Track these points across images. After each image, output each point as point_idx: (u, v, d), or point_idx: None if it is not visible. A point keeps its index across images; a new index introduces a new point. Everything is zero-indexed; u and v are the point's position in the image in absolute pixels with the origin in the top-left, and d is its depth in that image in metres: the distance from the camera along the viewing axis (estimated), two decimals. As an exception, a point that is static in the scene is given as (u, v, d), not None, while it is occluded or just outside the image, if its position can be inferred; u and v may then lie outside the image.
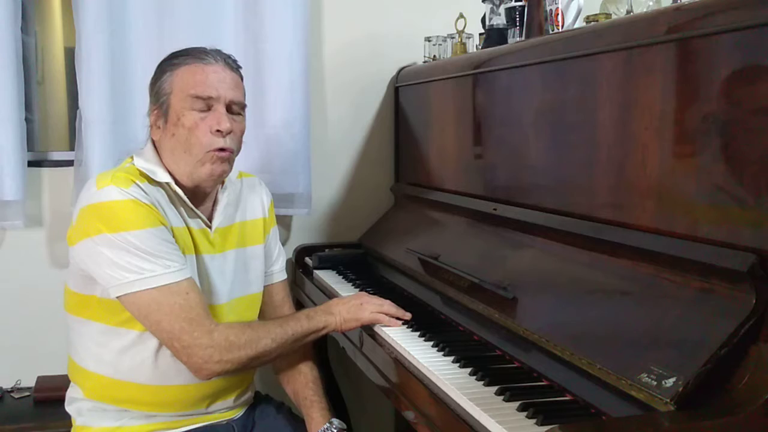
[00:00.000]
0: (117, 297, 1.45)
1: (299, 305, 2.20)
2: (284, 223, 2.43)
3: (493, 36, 1.94)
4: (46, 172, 2.25)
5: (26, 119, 2.15)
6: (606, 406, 1.13)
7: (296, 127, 2.30)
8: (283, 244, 2.36)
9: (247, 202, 1.74)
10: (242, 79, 1.63)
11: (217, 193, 1.65)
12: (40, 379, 2.16)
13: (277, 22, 2.26)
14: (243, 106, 1.61)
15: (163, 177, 1.54)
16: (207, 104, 1.53)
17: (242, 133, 1.61)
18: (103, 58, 2.11)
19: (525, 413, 1.13)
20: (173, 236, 1.51)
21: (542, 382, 1.28)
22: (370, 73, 2.49)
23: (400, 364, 1.43)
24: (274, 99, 2.28)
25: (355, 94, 2.49)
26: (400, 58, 2.46)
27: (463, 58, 2.05)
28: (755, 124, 1.06)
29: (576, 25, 1.65)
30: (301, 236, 2.47)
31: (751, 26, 1.05)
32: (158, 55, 1.63)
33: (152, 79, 1.61)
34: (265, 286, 1.76)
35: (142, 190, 1.49)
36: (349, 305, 1.63)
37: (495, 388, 1.23)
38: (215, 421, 1.64)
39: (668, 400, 0.98)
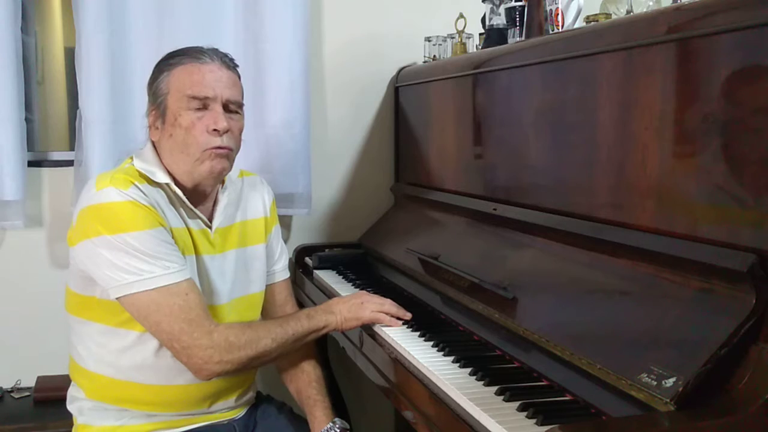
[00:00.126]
0: (116, 298, 1.45)
1: (299, 305, 2.19)
2: (284, 223, 2.43)
3: (493, 36, 1.94)
4: (46, 172, 2.25)
5: (26, 119, 2.15)
6: (606, 406, 1.13)
7: (296, 127, 2.30)
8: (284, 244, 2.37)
9: (248, 201, 1.74)
10: (239, 78, 1.63)
11: (217, 193, 1.65)
12: (40, 379, 2.16)
13: (277, 22, 2.26)
14: (240, 105, 1.61)
15: (163, 178, 1.54)
16: (204, 104, 1.53)
17: (240, 131, 1.61)
18: (103, 58, 2.11)
19: (525, 413, 1.13)
20: (173, 237, 1.51)
21: (542, 382, 1.28)
22: (370, 73, 2.49)
23: (400, 364, 1.43)
24: (274, 99, 2.28)
25: (355, 94, 2.49)
26: (400, 58, 2.46)
27: (463, 58, 2.05)
28: (755, 124, 1.06)
29: (576, 25, 1.65)
30: (301, 236, 2.47)
31: (751, 26, 1.05)
32: (158, 55, 1.63)
33: (150, 79, 1.61)
34: (267, 286, 1.76)
35: (141, 191, 1.49)
36: (349, 304, 1.63)
37: (495, 388, 1.23)
38: (216, 420, 1.64)
39: (668, 400, 0.98)
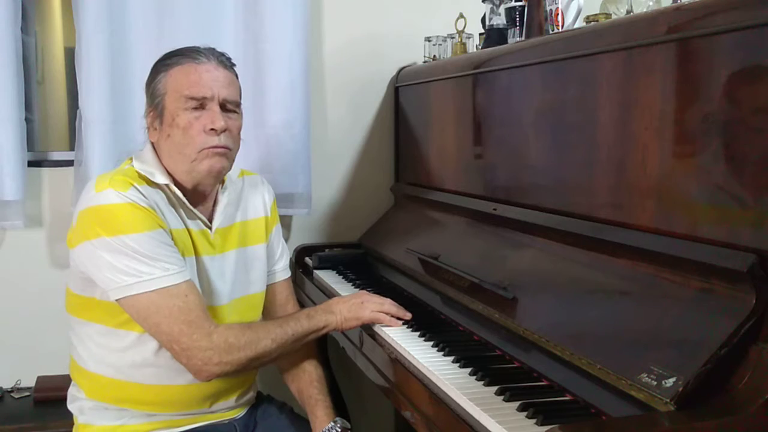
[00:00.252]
0: (116, 300, 1.45)
1: (299, 305, 2.20)
2: (284, 223, 2.43)
3: (493, 36, 1.94)
4: (46, 172, 2.25)
5: (26, 119, 2.15)
6: (606, 406, 1.13)
7: (296, 127, 2.30)
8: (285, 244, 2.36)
9: (248, 200, 1.74)
10: (237, 77, 1.63)
11: (217, 194, 1.65)
12: (40, 379, 2.16)
13: (277, 22, 2.26)
14: (238, 104, 1.60)
15: (162, 179, 1.54)
16: (201, 103, 1.53)
17: (239, 130, 1.61)
18: (103, 58, 2.11)
19: (525, 413, 1.13)
20: (172, 238, 1.51)
21: (542, 382, 1.28)
22: (370, 73, 2.49)
23: (400, 364, 1.43)
24: (274, 99, 2.28)
25: (355, 94, 2.49)
26: (400, 58, 2.46)
27: (463, 58, 2.05)
28: (755, 124, 1.06)
29: (576, 25, 1.65)
30: (301, 236, 2.47)
31: (751, 26, 1.05)
32: (158, 55, 1.63)
33: (147, 80, 1.61)
34: (268, 285, 1.76)
35: (141, 193, 1.49)
36: (349, 304, 1.63)
37: (495, 388, 1.23)
38: (217, 420, 1.64)
39: (668, 400, 0.98)
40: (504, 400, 1.19)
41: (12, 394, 2.15)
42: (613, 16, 1.61)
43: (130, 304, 1.45)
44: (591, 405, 1.16)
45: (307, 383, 1.69)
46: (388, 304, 1.65)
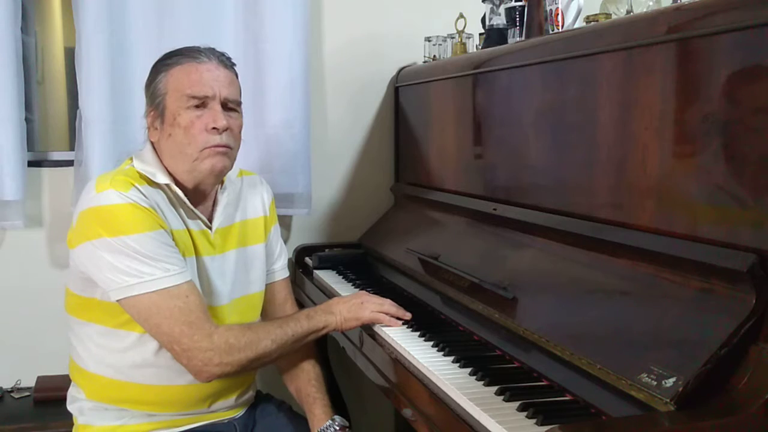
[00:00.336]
0: (117, 300, 1.45)
1: (299, 305, 2.19)
2: (284, 223, 2.43)
3: (493, 36, 1.94)
4: (46, 172, 2.25)
5: (26, 119, 2.15)
6: (606, 406, 1.13)
7: (296, 127, 2.30)
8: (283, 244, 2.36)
9: (247, 200, 1.74)
10: (237, 76, 1.63)
11: (216, 194, 1.65)
12: (40, 379, 2.16)
13: (277, 22, 2.26)
14: (238, 103, 1.61)
15: (163, 179, 1.54)
16: (202, 102, 1.53)
17: (239, 129, 1.61)
18: (103, 58, 2.11)
19: (525, 413, 1.13)
20: (173, 239, 1.51)
21: (542, 382, 1.28)
22: (370, 73, 2.49)
23: (400, 364, 1.43)
24: (274, 99, 2.28)
25: (355, 94, 2.49)
26: (400, 58, 2.46)
27: (463, 58, 2.05)
28: (755, 124, 1.06)
29: (576, 25, 1.65)
30: (301, 236, 2.47)
31: (751, 26, 1.05)
32: (158, 55, 1.63)
33: (147, 80, 1.61)
34: (267, 285, 1.76)
35: (142, 193, 1.49)
36: (349, 304, 1.63)
37: (495, 388, 1.23)
38: (216, 420, 1.64)
39: (668, 400, 0.98)
40: (504, 400, 1.19)
41: (12, 394, 2.15)
42: (613, 16, 1.61)
43: (131, 305, 1.45)
44: (591, 405, 1.16)
45: (305, 382, 1.69)
46: (388, 305, 1.65)
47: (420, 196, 2.21)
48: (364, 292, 1.78)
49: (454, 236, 1.90)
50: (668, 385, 1.00)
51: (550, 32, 1.66)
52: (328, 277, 2.14)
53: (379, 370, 1.53)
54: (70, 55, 2.26)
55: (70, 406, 1.63)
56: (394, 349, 1.51)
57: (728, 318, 1.02)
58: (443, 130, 2.13)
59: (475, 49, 2.19)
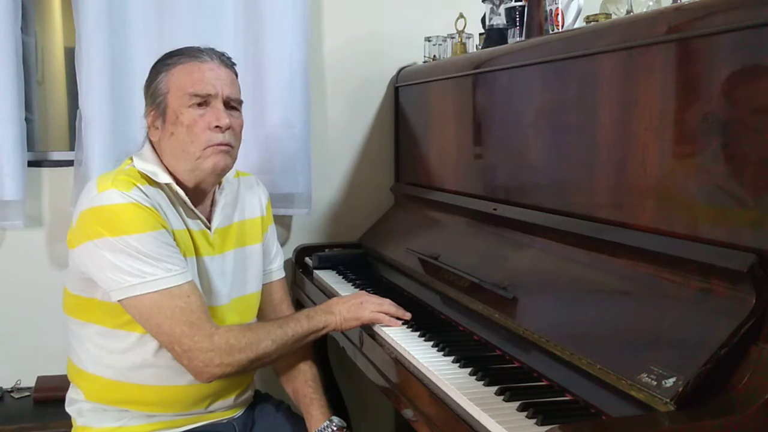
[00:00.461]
0: (118, 300, 1.45)
1: (299, 305, 2.20)
2: (284, 223, 2.43)
3: (493, 36, 1.94)
4: (46, 172, 2.25)
5: (26, 119, 2.15)
6: (606, 406, 1.12)
7: (296, 127, 2.30)
8: (283, 244, 2.37)
9: (245, 201, 1.74)
10: (237, 76, 1.63)
11: (214, 194, 1.65)
12: (40, 379, 2.16)
13: (277, 22, 2.26)
14: (240, 102, 1.61)
15: (164, 178, 1.54)
16: (205, 101, 1.54)
17: (241, 128, 1.61)
18: (103, 58, 2.11)
19: (525, 413, 1.13)
20: (174, 239, 1.51)
21: (542, 382, 1.28)
22: (370, 73, 2.48)
23: (400, 364, 1.43)
24: (274, 99, 2.28)
25: (355, 94, 2.49)
26: (400, 58, 2.46)
27: (463, 58, 2.05)
28: (755, 124, 1.06)
29: (576, 25, 1.65)
30: (301, 236, 2.47)
31: (751, 26, 1.05)
32: (158, 55, 1.63)
33: (147, 80, 1.61)
34: (263, 285, 1.76)
35: (143, 193, 1.49)
36: (349, 304, 1.63)
37: (495, 388, 1.23)
38: (215, 420, 1.64)
39: (668, 400, 0.98)
40: (504, 400, 1.19)
41: (12, 394, 2.15)
42: (613, 16, 1.61)
43: (133, 305, 1.45)
44: (591, 405, 1.16)
45: (302, 383, 1.69)
46: (388, 305, 1.65)
47: (420, 196, 2.21)
48: (363, 292, 1.78)
49: (454, 236, 1.90)
50: (668, 385, 1.00)
51: (550, 32, 1.66)
52: (328, 277, 2.14)
53: (379, 370, 1.53)
54: (70, 55, 2.26)
55: (69, 408, 1.63)
56: (394, 349, 1.51)
57: (728, 318, 1.02)
58: (443, 130, 2.13)
59: (475, 49, 2.19)
